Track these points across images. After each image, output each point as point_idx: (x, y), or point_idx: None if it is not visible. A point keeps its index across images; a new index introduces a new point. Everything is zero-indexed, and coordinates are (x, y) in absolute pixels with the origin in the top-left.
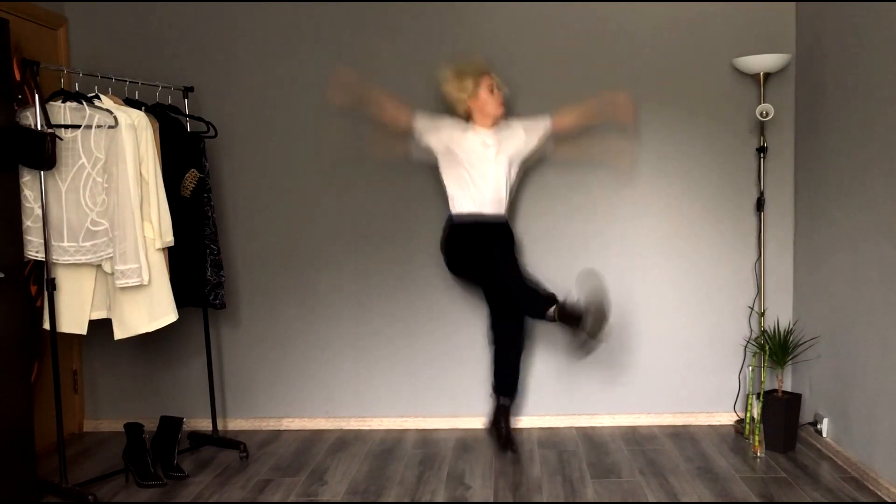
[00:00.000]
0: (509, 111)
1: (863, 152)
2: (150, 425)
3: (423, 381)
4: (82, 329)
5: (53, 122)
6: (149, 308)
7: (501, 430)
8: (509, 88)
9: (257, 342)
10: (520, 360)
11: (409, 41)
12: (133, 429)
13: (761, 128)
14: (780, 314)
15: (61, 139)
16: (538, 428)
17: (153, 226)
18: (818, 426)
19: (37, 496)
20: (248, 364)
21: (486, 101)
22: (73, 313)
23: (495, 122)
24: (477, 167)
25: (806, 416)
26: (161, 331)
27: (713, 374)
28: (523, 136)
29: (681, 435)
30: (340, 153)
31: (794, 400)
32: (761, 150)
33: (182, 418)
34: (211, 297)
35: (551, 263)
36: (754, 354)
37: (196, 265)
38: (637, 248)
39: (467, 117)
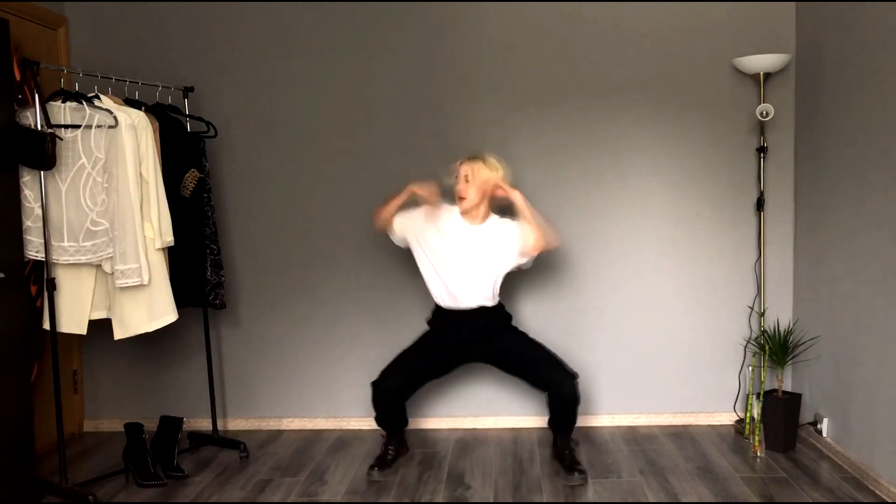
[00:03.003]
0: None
1: (863, 152)
2: (150, 425)
3: None
4: (82, 329)
5: (53, 122)
6: (149, 308)
7: (566, 458)
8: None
9: (257, 342)
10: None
11: (409, 41)
12: (133, 429)
13: (761, 128)
14: (780, 314)
15: (61, 139)
16: (538, 428)
17: (153, 226)
18: (818, 426)
19: (37, 496)
20: (248, 364)
21: (457, 185)
22: (73, 313)
23: (470, 212)
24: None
25: (806, 416)
26: (161, 331)
27: (713, 374)
28: (508, 246)
29: (681, 435)
30: (341, 153)
31: (794, 400)
32: (761, 149)
33: (182, 418)
34: (211, 297)
35: (551, 263)
36: (754, 354)
37: (196, 265)
38: (637, 248)
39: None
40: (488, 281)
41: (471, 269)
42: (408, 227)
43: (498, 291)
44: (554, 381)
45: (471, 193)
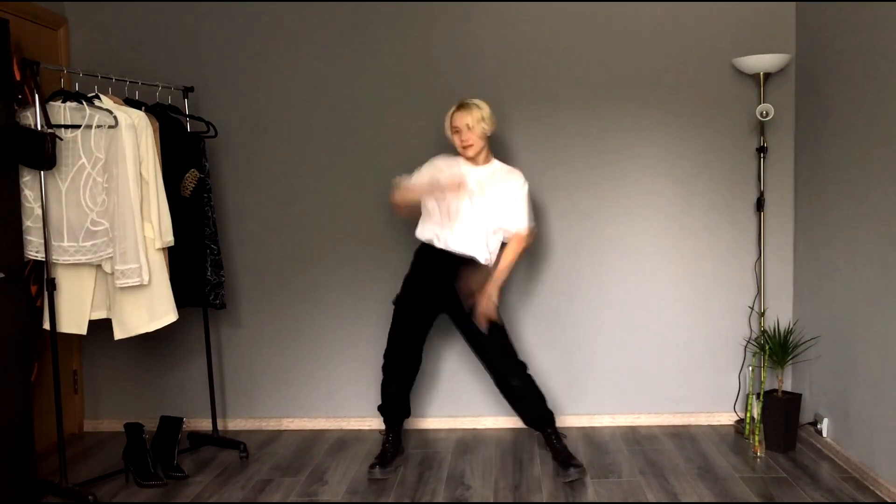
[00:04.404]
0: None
1: (863, 152)
2: (150, 425)
3: (422, 381)
4: (82, 329)
5: (53, 122)
6: (149, 308)
7: (559, 454)
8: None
9: (257, 342)
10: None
11: (409, 41)
12: (133, 429)
13: (761, 128)
14: (780, 314)
15: (61, 139)
16: None
17: (153, 226)
18: (818, 426)
19: (37, 496)
20: (248, 364)
21: (452, 139)
22: (73, 313)
23: (476, 157)
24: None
25: (806, 416)
26: (161, 331)
27: (713, 374)
28: (511, 197)
29: (681, 435)
30: (340, 153)
31: (794, 400)
32: (761, 150)
33: (182, 418)
34: (211, 297)
35: (551, 264)
36: (754, 354)
37: (196, 265)
38: (637, 248)
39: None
40: (488, 226)
41: (477, 209)
42: (426, 189)
43: (492, 250)
44: (502, 379)
45: (475, 139)
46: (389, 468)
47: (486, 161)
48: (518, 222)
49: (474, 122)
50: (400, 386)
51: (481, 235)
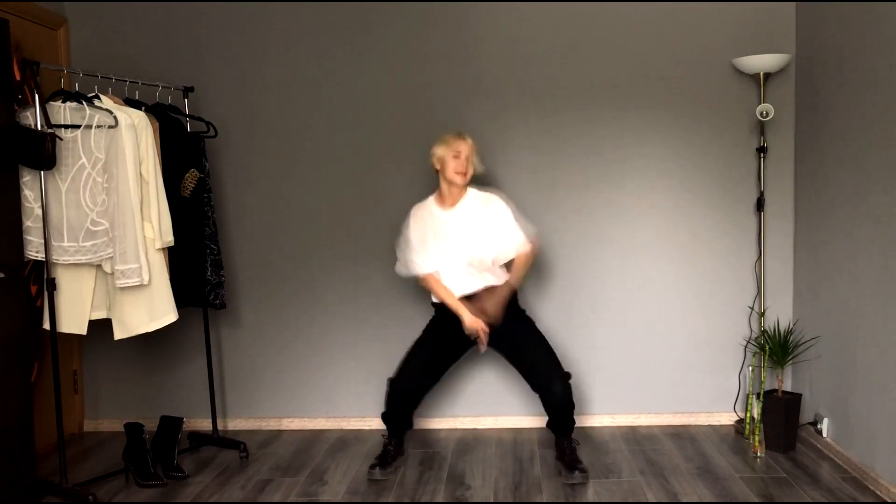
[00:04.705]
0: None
1: (863, 152)
2: (150, 425)
3: None
4: (82, 329)
5: (53, 122)
6: (149, 308)
7: (567, 457)
8: (503, 94)
9: (257, 342)
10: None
11: (409, 42)
12: (133, 429)
13: (761, 128)
14: (780, 314)
15: (61, 139)
16: (538, 428)
17: (153, 226)
18: (818, 426)
19: (37, 496)
20: (248, 364)
21: (448, 163)
22: (73, 313)
23: (457, 193)
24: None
25: (806, 416)
26: (161, 331)
27: (713, 374)
28: (496, 220)
29: (681, 435)
30: (340, 153)
31: (794, 400)
32: (761, 150)
33: (182, 418)
34: (211, 297)
35: (551, 263)
36: (754, 354)
37: (196, 265)
38: (637, 248)
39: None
40: (487, 259)
41: (467, 251)
42: (422, 249)
43: (499, 268)
44: (545, 383)
45: (470, 171)
46: (389, 469)
47: (461, 194)
48: (516, 241)
49: (472, 155)
50: (402, 403)
51: (486, 266)
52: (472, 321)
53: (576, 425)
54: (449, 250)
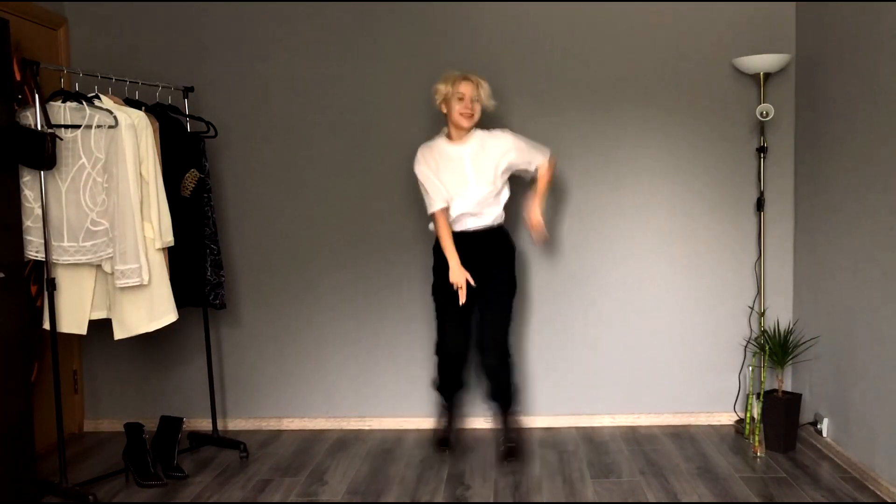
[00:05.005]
0: (499, 124)
1: (863, 152)
2: (150, 425)
3: (423, 381)
4: (82, 329)
5: (53, 122)
6: (149, 308)
7: (501, 439)
8: (503, 94)
9: (257, 342)
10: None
11: (409, 41)
12: (133, 429)
13: (761, 128)
14: (780, 314)
15: (61, 139)
16: (538, 428)
17: (153, 226)
18: (818, 426)
19: (37, 496)
20: (248, 364)
21: (453, 105)
22: (73, 313)
23: (465, 134)
24: (453, 180)
25: (806, 416)
26: (161, 331)
27: (713, 374)
28: (506, 149)
29: (681, 435)
30: (341, 153)
31: (794, 400)
32: (761, 150)
33: (182, 418)
34: (211, 297)
35: (551, 263)
36: (754, 354)
37: (196, 265)
38: (637, 248)
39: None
40: (494, 193)
41: (483, 187)
42: (435, 183)
43: (503, 199)
44: (484, 351)
45: (476, 112)
46: (453, 441)
47: (469, 134)
48: (534, 159)
49: (483, 96)
50: (452, 365)
51: (494, 204)
52: (457, 272)
53: (576, 426)
54: (460, 182)
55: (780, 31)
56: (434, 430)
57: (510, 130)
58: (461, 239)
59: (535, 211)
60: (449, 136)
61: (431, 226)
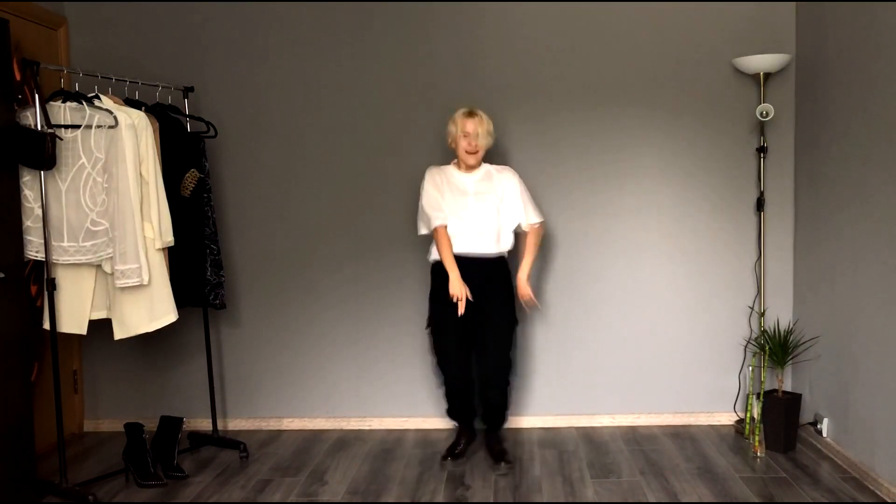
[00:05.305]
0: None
1: (863, 152)
2: (150, 425)
3: (422, 381)
4: (82, 329)
5: (53, 122)
6: (149, 308)
7: (495, 449)
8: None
9: (257, 342)
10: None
11: (409, 41)
12: (133, 429)
13: (761, 128)
14: (780, 314)
15: (61, 139)
16: (538, 428)
17: (153, 226)
18: (818, 426)
19: (37, 496)
20: (248, 364)
21: (459, 141)
22: (73, 313)
23: (472, 167)
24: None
25: (806, 416)
26: (161, 331)
27: (713, 374)
28: (509, 187)
29: (681, 435)
30: (340, 153)
31: (794, 400)
32: (761, 150)
33: (182, 418)
34: (211, 297)
35: (551, 263)
36: (754, 354)
37: (196, 265)
38: (637, 248)
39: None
40: (497, 225)
41: (483, 214)
42: (438, 200)
43: (506, 240)
44: (485, 382)
45: (481, 148)
46: (461, 460)
47: (478, 165)
48: (528, 217)
49: (483, 132)
50: (460, 393)
51: (491, 232)
52: (457, 285)
53: (576, 426)
54: (463, 206)
55: (780, 31)
56: (450, 444)
57: (517, 175)
58: (458, 263)
59: (522, 281)
60: (457, 165)
61: (430, 256)
